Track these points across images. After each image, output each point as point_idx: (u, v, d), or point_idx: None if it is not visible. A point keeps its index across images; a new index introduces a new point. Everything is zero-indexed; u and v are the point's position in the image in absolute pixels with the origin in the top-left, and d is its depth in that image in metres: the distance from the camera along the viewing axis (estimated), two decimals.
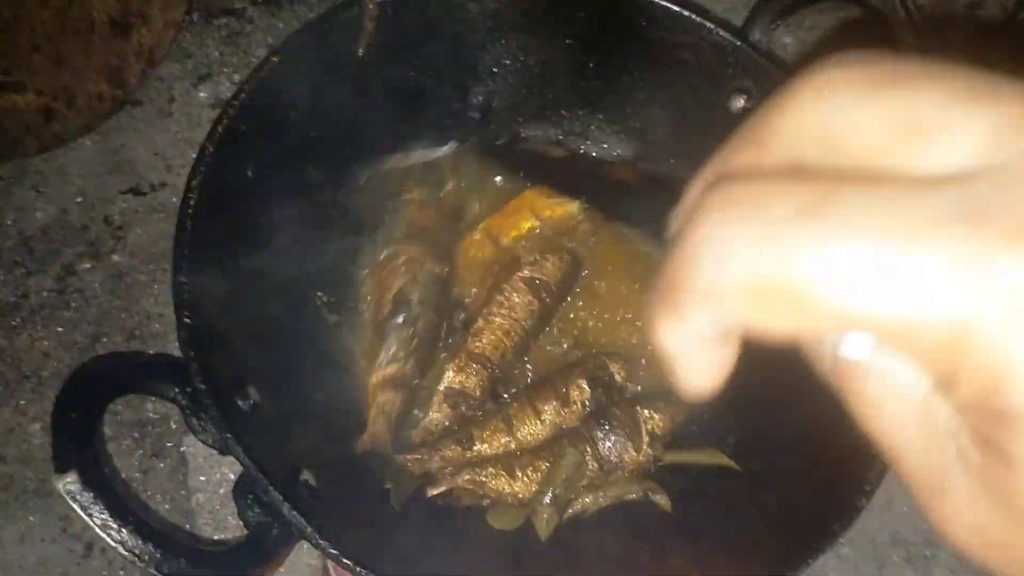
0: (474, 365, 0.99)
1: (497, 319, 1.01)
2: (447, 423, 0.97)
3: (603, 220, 1.07)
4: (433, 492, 0.92)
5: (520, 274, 1.03)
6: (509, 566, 0.89)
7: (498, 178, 1.10)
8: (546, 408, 0.96)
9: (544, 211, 1.07)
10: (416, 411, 0.98)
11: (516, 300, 1.01)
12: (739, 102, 1.01)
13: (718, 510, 0.91)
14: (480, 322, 1.01)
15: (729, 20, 1.02)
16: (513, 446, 0.95)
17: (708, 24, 0.99)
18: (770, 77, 0.98)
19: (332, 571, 1.02)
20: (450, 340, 1.02)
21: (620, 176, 1.13)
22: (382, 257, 1.03)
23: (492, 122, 1.11)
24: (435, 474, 0.93)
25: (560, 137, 1.13)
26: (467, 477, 0.92)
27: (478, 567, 0.86)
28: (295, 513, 0.74)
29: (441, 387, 0.98)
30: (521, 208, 1.08)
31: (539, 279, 1.02)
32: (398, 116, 1.06)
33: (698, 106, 1.05)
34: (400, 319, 0.99)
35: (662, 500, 0.92)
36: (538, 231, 1.07)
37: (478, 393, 0.98)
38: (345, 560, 0.73)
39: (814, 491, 0.84)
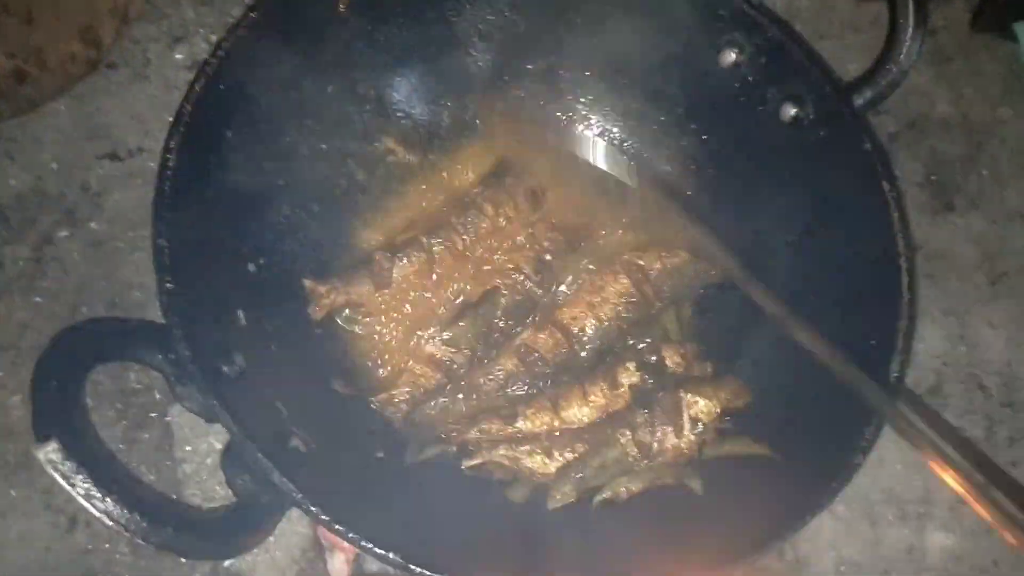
0: (551, 328, 0.98)
1: (585, 293, 1.00)
2: (516, 377, 0.97)
3: None
4: (469, 464, 0.91)
5: (622, 257, 1.01)
6: (517, 539, 0.87)
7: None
8: (594, 390, 0.94)
9: None
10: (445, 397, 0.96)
11: (610, 282, 1.00)
12: (730, 56, 1.00)
13: (717, 475, 0.90)
14: (568, 294, 1.01)
15: None
16: (556, 425, 0.94)
17: None
18: (762, 30, 0.96)
19: (323, 538, 1.01)
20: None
21: None
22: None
23: (479, 82, 1.09)
24: (472, 446, 0.92)
25: (551, 91, 1.10)
26: (503, 452, 0.91)
27: (483, 537, 0.85)
28: (284, 479, 0.73)
29: (516, 341, 0.98)
30: None
31: (640, 266, 1.01)
32: (385, 74, 1.04)
33: (688, 60, 1.03)
34: (481, 311, 0.98)
35: (696, 484, 0.89)
36: None
37: (549, 356, 0.97)
38: (336, 526, 0.72)
39: (811, 450, 0.83)
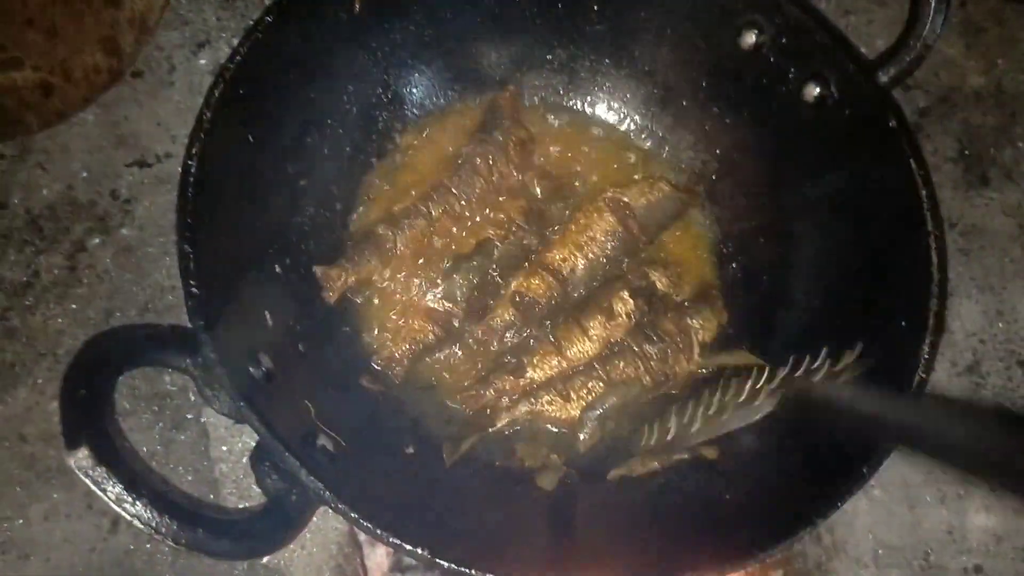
0: (542, 272, 1.00)
1: (572, 234, 1.02)
2: (513, 325, 0.99)
3: None
4: (495, 428, 0.93)
5: (606, 195, 1.03)
6: (546, 531, 0.87)
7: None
8: (592, 324, 0.97)
9: None
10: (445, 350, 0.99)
11: (596, 220, 1.02)
12: (750, 37, 0.98)
13: (749, 459, 0.89)
14: (556, 237, 1.03)
15: None
16: (564, 366, 0.96)
17: None
18: (780, 10, 0.95)
19: (359, 533, 1.02)
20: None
21: None
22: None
23: (497, 74, 1.09)
24: (492, 409, 0.94)
25: (568, 83, 1.10)
26: (525, 408, 0.93)
27: (512, 530, 0.85)
28: (312, 478, 0.73)
29: (510, 289, 0.99)
30: None
31: (625, 203, 1.02)
32: (403, 72, 1.05)
33: (708, 44, 1.02)
34: (475, 262, 1.00)
35: (711, 453, 0.90)
36: None
37: (543, 300, 0.99)
38: (365, 523, 0.73)
39: (844, 434, 0.82)
